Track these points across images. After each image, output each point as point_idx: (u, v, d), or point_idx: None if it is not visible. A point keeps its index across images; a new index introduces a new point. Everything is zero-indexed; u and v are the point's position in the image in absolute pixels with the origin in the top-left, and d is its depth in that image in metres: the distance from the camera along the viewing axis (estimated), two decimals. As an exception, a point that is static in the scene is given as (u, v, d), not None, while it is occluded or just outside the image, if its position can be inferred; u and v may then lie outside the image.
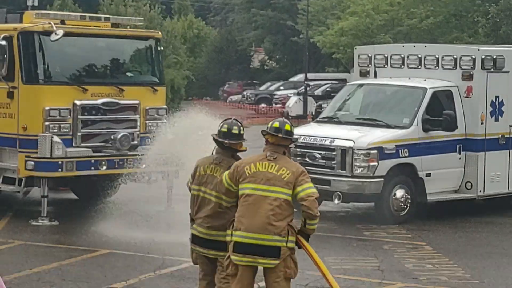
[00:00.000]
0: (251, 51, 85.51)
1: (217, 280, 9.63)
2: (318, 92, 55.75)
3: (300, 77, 63.17)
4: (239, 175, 9.23)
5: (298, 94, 55.18)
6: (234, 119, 10.03)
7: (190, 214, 10.06)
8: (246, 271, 9.13)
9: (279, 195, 9.03)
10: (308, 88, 53.72)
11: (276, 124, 9.34)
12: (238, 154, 9.92)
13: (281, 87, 66.14)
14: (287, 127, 9.38)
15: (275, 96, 63.19)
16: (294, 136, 9.56)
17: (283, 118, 9.85)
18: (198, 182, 9.88)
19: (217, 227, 9.53)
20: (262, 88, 69.97)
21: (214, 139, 9.90)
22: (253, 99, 64.78)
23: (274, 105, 60.27)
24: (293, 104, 51.78)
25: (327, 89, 54.96)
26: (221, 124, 9.95)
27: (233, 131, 9.79)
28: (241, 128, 9.90)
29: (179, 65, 57.19)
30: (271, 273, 9.09)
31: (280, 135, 9.27)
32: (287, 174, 9.08)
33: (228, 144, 9.76)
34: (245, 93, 67.74)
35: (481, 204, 18.57)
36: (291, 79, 68.61)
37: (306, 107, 50.50)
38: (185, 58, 61.38)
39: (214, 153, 9.95)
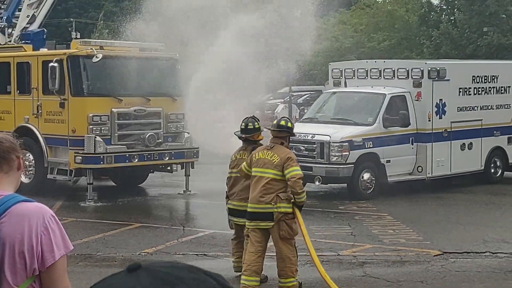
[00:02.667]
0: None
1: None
2: (300, 100, 55.62)
3: (285, 89, 62.98)
4: (251, 162, 9.68)
5: (284, 102, 55.09)
6: (251, 116, 10.60)
7: (226, 192, 10.59)
8: (255, 232, 9.58)
9: (269, 175, 9.45)
10: (292, 98, 53.65)
11: (275, 121, 9.91)
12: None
13: (271, 97, 65.85)
14: (282, 122, 9.80)
15: (266, 104, 62.92)
16: (289, 129, 9.79)
17: (284, 117, 10.37)
18: (231, 166, 10.41)
19: (247, 199, 9.80)
20: (257, 97, 69.65)
21: (235, 133, 10.55)
22: (249, 106, 64.61)
23: (265, 111, 60.05)
24: (281, 110, 51.73)
25: (307, 98, 54.88)
26: (241, 122, 10.44)
27: (249, 127, 10.39)
28: (256, 123, 10.40)
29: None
30: (272, 234, 9.55)
31: (277, 129, 9.67)
32: (276, 159, 9.46)
33: (244, 137, 10.33)
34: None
35: (429, 183, 18.59)
36: (279, 91, 68.33)
37: (291, 112, 50.45)
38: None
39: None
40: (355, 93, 18.75)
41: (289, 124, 9.80)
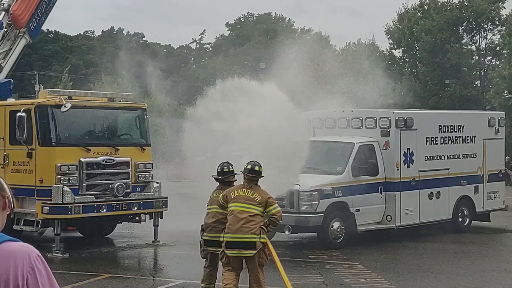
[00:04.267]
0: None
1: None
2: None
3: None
4: (228, 198, 11.06)
5: (248, 154, 55.14)
6: (225, 162, 11.87)
7: (202, 225, 11.76)
8: (235, 259, 10.97)
9: (253, 210, 10.89)
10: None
11: (249, 166, 11.14)
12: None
13: (234, 150, 65.80)
14: (256, 168, 11.18)
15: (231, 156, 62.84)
16: (260, 173, 11.17)
17: (254, 161, 11.33)
18: (209, 203, 11.67)
19: (220, 231, 11.17)
20: (221, 150, 69.48)
21: (213, 176, 11.74)
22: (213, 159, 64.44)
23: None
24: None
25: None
26: (217, 166, 11.76)
27: (224, 170, 11.65)
28: (230, 166, 11.74)
29: (157, 134, 56.72)
30: (251, 262, 10.90)
31: (250, 174, 11.08)
32: (259, 197, 10.95)
33: (221, 179, 11.59)
34: (207, 154, 67.32)
35: (398, 232, 18.59)
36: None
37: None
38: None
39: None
40: (324, 142, 18.72)
41: (260, 169, 11.20)
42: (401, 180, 18.43)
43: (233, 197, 10.98)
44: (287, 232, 17.28)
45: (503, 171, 21.85)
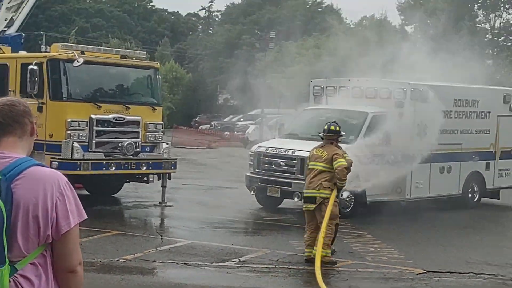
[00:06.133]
0: (218, 91, 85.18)
1: None
2: (270, 122, 55.71)
3: (257, 111, 63.02)
4: (309, 157, 12.59)
5: (256, 124, 55.17)
6: (332, 121, 12.89)
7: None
8: (306, 214, 12.43)
9: (319, 167, 12.18)
10: (263, 119, 53.73)
11: (325, 127, 12.61)
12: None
13: (241, 119, 65.84)
14: (332, 127, 12.55)
15: (237, 126, 62.87)
16: (338, 132, 12.55)
17: (332, 121, 12.93)
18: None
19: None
20: (226, 119, 69.59)
21: (318, 133, 13.03)
22: (219, 127, 64.44)
23: (235, 132, 60.01)
24: (252, 131, 51.77)
25: (276, 120, 55.06)
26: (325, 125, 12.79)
27: (331, 128, 12.57)
28: (337, 127, 12.62)
29: (163, 99, 56.77)
30: (316, 215, 12.20)
31: (327, 134, 12.52)
32: (326, 155, 12.22)
33: (324, 136, 12.58)
34: (212, 123, 67.38)
35: (408, 205, 18.50)
36: (249, 113, 68.40)
37: (262, 133, 50.48)
38: (167, 94, 60.97)
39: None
40: (337, 110, 18.51)
41: (337, 128, 12.55)
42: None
43: (310, 156, 12.54)
44: (296, 199, 17.21)
45: (516, 149, 21.65)
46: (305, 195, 12.38)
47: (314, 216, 12.23)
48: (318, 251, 11.55)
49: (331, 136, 12.45)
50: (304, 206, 12.43)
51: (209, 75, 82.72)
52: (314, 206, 12.09)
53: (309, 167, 12.40)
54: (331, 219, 12.02)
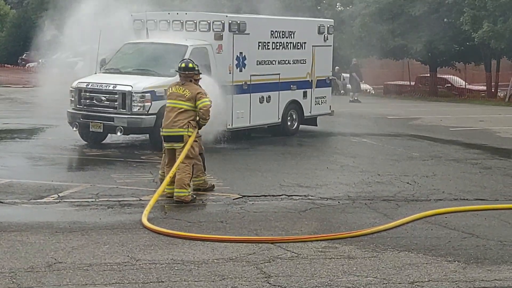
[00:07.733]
0: (45, 27, 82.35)
1: None
2: (101, 57, 54.78)
3: (87, 47, 61.60)
4: (167, 94, 12.53)
5: (83, 60, 54.02)
6: (187, 59, 13.36)
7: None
8: (168, 151, 12.41)
9: (182, 106, 12.16)
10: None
11: (183, 64, 12.47)
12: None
13: (70, 56, 64.15)
14: (190, 65, 12.47)
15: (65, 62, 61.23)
16: (194, 69, 12.44)
17: (187, 59, 13.39)
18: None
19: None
20: (55, 57, 67.59)
21: (176, 70, 12.81)
22: (47, 65, 62.67)
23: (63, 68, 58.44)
24: (81, 67, 50.70)
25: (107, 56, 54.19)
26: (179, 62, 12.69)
27: (189, 66, 12.42)
28: (193, 64, 12.51)
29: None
30: (178, 153, 12.15)
31: (185, 72, 12.39)
32: (188, 93, 12.18)
33: (181, 74, 12.42)
34: (40, 60, 65.33)
35: (230, 135, 18.97)
36: (79, 49, 66.72)
37: (92, 70, 49.55)
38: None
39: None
40: (158, 44, 18.63)
41: (194, 65, 12.47)
42: (234, 84, 18.77)
43: (169, 94, 12.43)
44: (119, 133, 17.35)
45: (331, 78, 22.68)
46: (169, 134, 12.21)
47: (175, 154, 12.27)
48: (162, 186, 11.95)
49: (188, 74, 12.39)
50: (168, 144, 12.29)
51: (35, 11, 79.73)
52: (182, 144, 12.09)
53: (170, 105, 12.28)
54: (190, 158, 12.17)
